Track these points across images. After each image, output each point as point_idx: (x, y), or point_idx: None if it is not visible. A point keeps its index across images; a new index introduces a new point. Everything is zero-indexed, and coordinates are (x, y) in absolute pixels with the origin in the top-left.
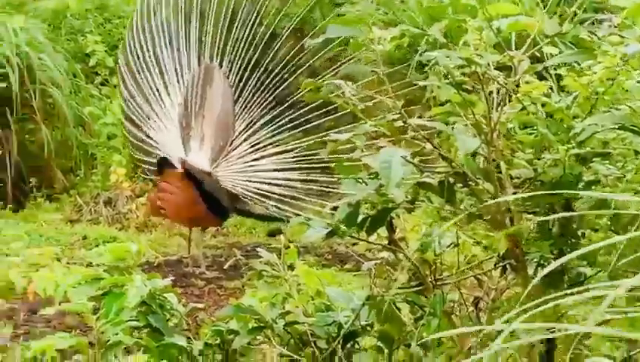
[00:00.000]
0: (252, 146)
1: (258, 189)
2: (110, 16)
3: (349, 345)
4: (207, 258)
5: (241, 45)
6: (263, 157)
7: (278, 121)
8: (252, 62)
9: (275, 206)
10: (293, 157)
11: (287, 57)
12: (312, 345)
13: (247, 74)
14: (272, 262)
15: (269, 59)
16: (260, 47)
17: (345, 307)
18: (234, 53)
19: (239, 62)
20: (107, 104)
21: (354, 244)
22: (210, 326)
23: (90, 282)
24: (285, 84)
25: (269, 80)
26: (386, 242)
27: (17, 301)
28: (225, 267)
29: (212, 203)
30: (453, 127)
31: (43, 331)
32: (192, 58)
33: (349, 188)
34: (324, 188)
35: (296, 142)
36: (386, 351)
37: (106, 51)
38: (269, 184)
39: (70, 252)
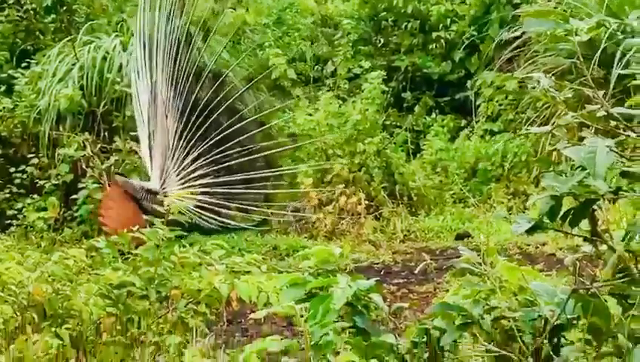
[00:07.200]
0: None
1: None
2: (287, 30)
3: (555, 340)
4: (397, 263)
5: (182, 82)
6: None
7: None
8: (190, 101)
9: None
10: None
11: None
12: (519, 340)
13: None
14: (473, 260)
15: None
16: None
17: (549, 302)
18: (177, 89)
19: (181, 99)
20: (291, 116)
21: (543, 244)
22: (416, 324)
23: (297, 285)
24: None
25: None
26: (589, 234)
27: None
28: (415, 271)
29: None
30: None
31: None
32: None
33: (550, 181)
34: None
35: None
36: (594, 343)
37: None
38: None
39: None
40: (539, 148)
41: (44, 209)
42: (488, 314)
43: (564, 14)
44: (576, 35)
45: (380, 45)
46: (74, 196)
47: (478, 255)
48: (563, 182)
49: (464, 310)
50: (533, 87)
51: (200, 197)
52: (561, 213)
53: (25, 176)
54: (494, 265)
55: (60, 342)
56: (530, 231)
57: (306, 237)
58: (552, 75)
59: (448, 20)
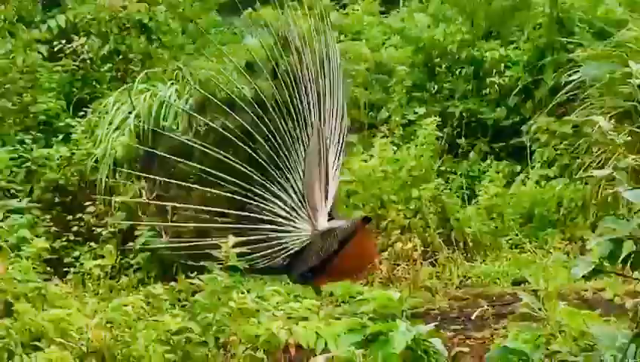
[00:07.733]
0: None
1: None
2: None
3: None
4: (453, 309)
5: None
6: None
7: None
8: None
9: None
10: None
11: None
12: None
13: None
14: (532, 305)
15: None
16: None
17: (610, 347)
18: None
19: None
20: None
21: (601, 290)
22: None
23: (355, 330)
24: None
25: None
26: None
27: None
28: (472, 317)
29: None
30: None
31: None
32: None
33: (611, 224)
34: None
35: None
36: None
37: None
38: None
39: (320, 307)
40: (594, 194)
41: (101, 256)
42: (549, 359)
43: (622, 56)
44: (636, 78)
45: (434, 91)
46: (130, 244)
47: (537, 300)
48: (624, 226)
49: (525, 354)
50: (589, 131)
51: None
52: (621, 256)
53: (82, 223)
54: (554, 310)
55: None
56: (590, 276)
57: (361, 283)
58: (610, 117)
59: (502, 66)
